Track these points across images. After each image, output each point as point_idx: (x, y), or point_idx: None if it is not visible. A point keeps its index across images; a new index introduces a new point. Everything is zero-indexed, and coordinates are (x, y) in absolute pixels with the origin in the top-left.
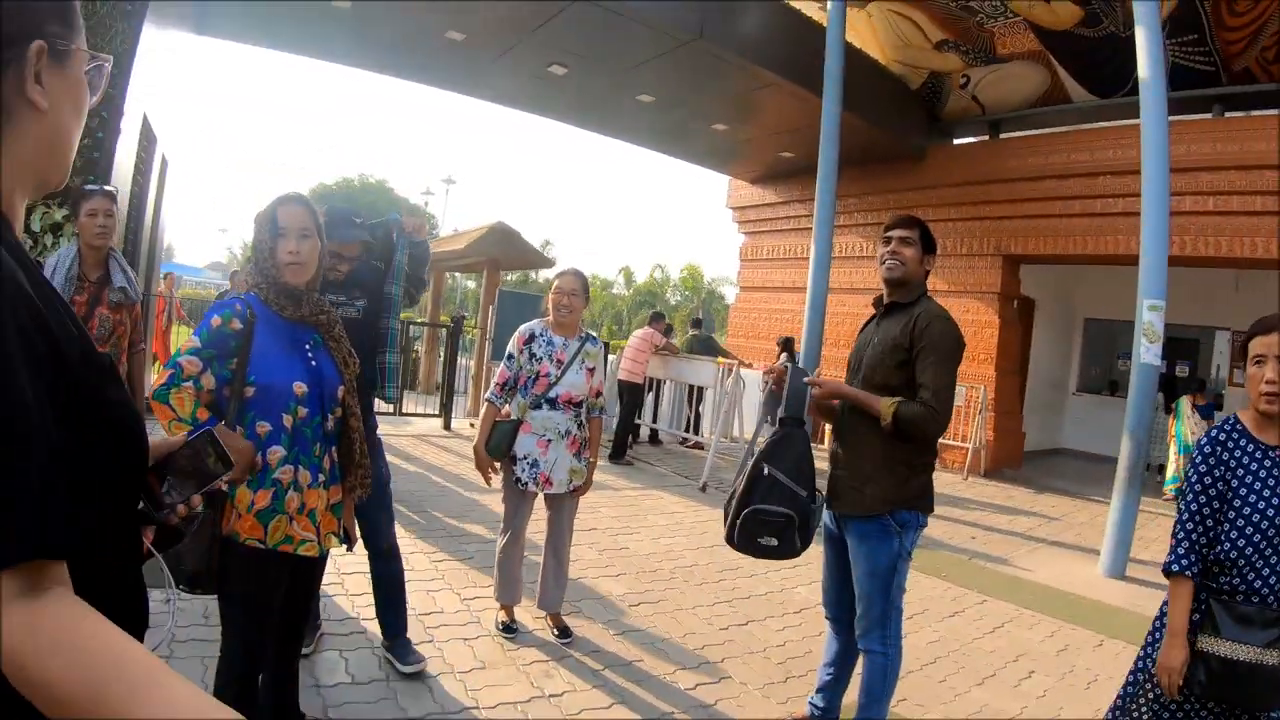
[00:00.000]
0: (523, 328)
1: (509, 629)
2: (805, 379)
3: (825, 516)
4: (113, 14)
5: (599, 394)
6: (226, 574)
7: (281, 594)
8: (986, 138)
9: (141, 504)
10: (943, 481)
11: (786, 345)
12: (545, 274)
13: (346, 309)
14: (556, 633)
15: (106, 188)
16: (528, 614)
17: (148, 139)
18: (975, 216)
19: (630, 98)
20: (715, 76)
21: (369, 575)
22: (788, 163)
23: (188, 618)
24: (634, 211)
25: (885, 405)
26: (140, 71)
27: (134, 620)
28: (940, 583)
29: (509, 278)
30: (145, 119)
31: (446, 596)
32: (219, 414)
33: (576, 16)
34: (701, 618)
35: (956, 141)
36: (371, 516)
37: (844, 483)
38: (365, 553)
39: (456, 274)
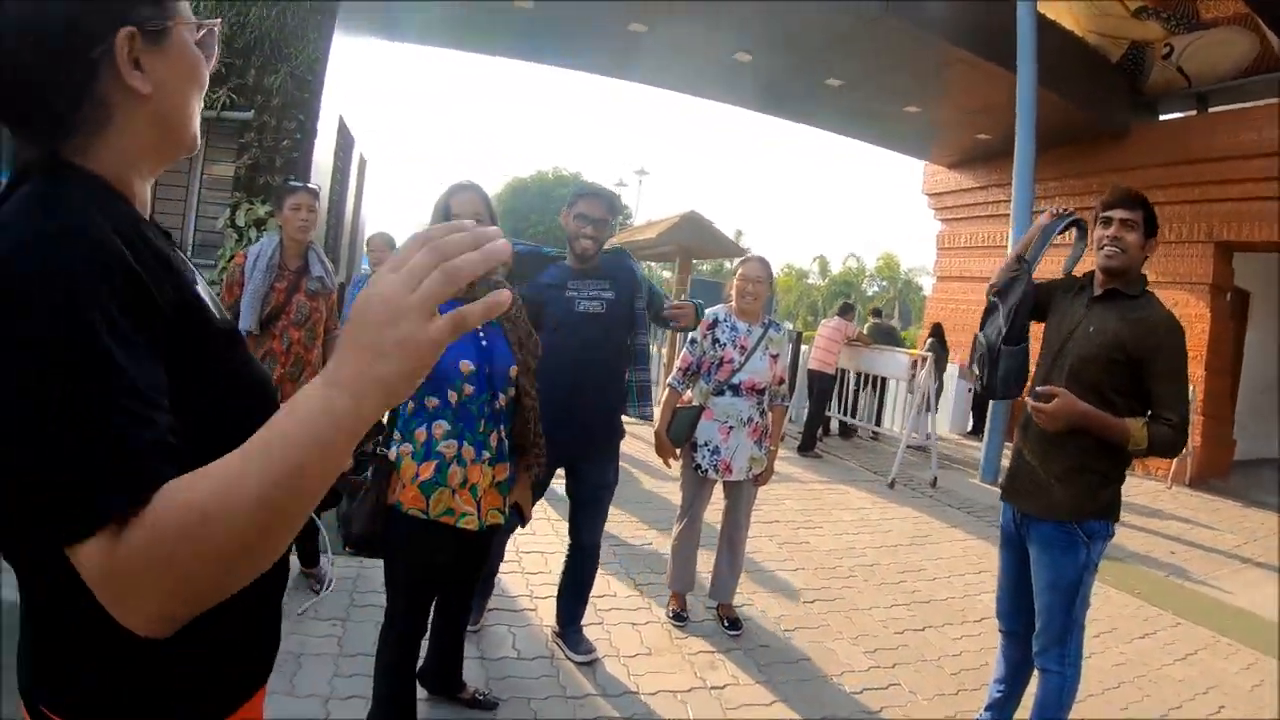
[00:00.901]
0: (706, 313)
1: (679, 617)
2: (1038, 391)
3: (1004, 514)
4: (304, 23)
5: (782, 381)
6: (391, 540)
7: (445, 564)
8: (1194, 112)
9: None
10: (1144, 490)
11: (936, 332)
12: (738, 262)
13: (588, 303)
14: (726, 624)
15: (310, 185)
16: (699, 603)
17: (345, 140)
18: (1183, 200)
19: (819, 81)
20: (904, 55)
21: (562, 559)
22: (984, 145)
23: (368, 583)
24: (828, 199)
25: (1136, 430)
26: (335, 76)
27: (274, 573)
28: (1132, 600)
29: (702, 267)
30: (341, 121)
31: (620, 580)
32: None
33: (756, 2)
34: (877, 619)
35: (1162, 117)
36: (587, 512)
37: (1029, 476)
38: (544, 534)
39: (651, 263)
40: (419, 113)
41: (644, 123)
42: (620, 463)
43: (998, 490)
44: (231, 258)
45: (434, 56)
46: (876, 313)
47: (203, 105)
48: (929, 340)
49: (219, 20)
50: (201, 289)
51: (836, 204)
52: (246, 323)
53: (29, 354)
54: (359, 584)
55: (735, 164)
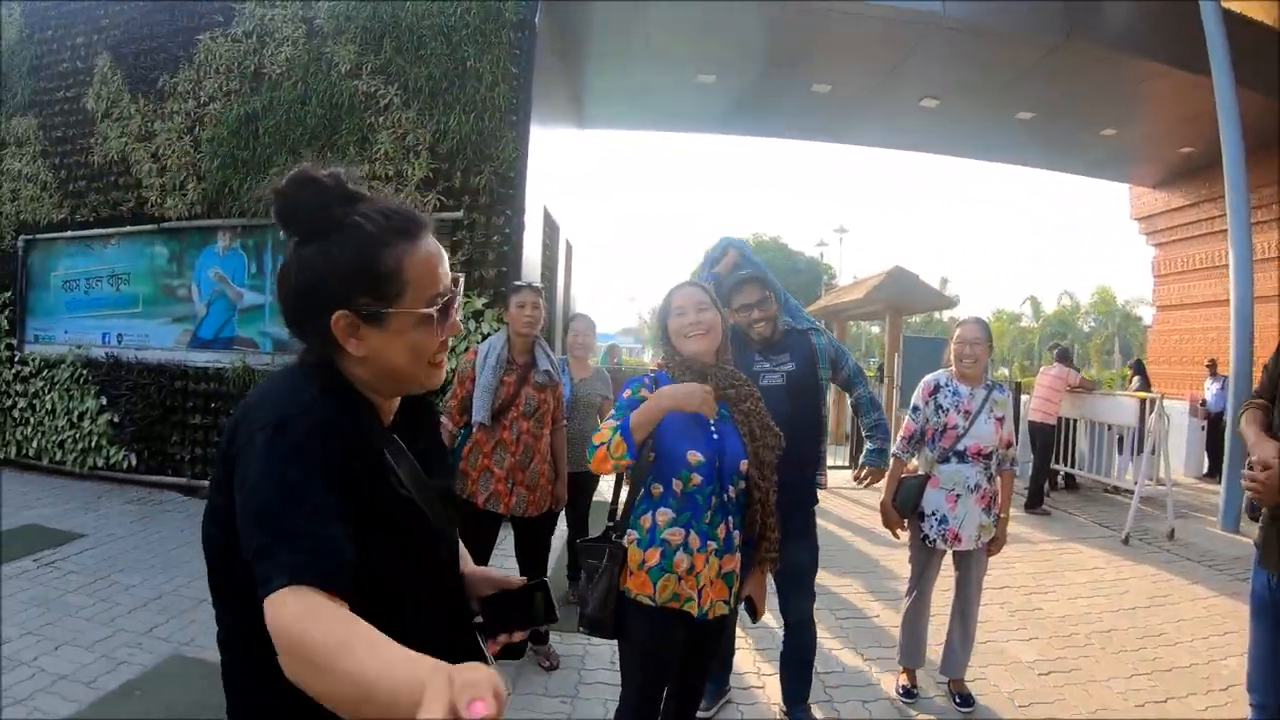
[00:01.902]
0: (927, 378)
1: (909, 693)
2: (1250, 461)
3: (1257, 579)
4: (501, 124)
5: (1009, 445)
6: (623, 624)
7: (675, 651)
8: None
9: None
10: None
11: (1138, 369)
12: (947, 314)
13: (770, 375)
14: (958, 700)
15: (534, 284)
16: (929, 677)
17: (550, 228)
18: None
19: (1009, 117)
20: (1094, 78)
21: (780, 640)
22: (1189, 159)
23: (597, 660)
24: (1032, 237)
25: None
26: (535, 169)
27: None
28: None
29: (910, 320)
30: (546, 211)
31: (847, 654)
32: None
33: (933, 47)
34: (1116, 691)
35: None
36: (792, 591)
37: None
38: (771, 607)
39: (861, 321)
40: (617, 194)
41: (838, 180)
42: (841, 530)
43: (1240, 540)
44: (452, 348)
45: (626, 140)
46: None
47: (417, 208)
48: (1135, 380)
49: (453, 292)
50: (406, 476)
51: (1042, 240)
52: (479, 415)
53: (287, 466)
54: (587, 661)
55: (934, 212)
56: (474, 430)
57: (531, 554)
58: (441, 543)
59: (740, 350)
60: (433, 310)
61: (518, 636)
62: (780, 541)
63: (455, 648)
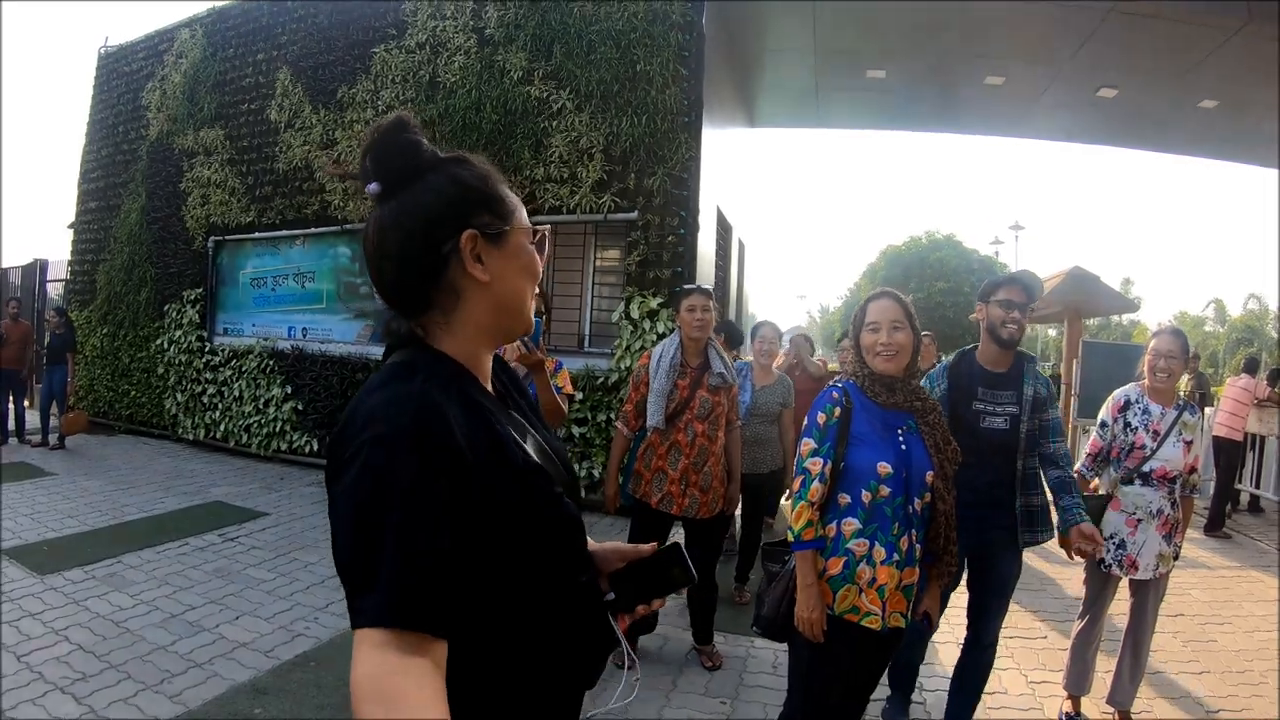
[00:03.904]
0: (1117, 394)
1: None
2: None
3: None
4: (673, 125)
5: (1194, 470)
6: (795, 630)
7: (846, 663)
8: None
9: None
10: None
11: (1250, 367)
12: (1127, 317)
13: (992, 418)
14: None
15: (703, 286)
16: (1094, 706)
17: (724, 228)
18: None
19: (1191, 105)
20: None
21: (948, 650)
22: None
23: (759, 664)
24: (1219, 234)
25: None
26: (708, 169)
27: (584, 675)
28: None
29: (1088, 323)
30: (719, 211)
31: (1012, 677)
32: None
33: (1111, 32)
34: None
35: None
36: (993, 604)
37: None
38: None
39: (1036, 325)
40: (787, 191)
41: (1014, 176)
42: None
43: None
44: (627, 346)
45: (797, 136)
46: (1250, 364)
47: (591, 212)
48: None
49: (548, 227)
50: (530, 445)
51: (1229, 239)
52: (654, 419)
53: (389, 488)
54: (749, 664)
55: (1114, 208)
56: (648, 432)
57: (703, 555)
58: (568, 504)
59: (968, 377)
60: (536, 228)
61: (657, 604)
62: (993, 550)
63: (587, 625)
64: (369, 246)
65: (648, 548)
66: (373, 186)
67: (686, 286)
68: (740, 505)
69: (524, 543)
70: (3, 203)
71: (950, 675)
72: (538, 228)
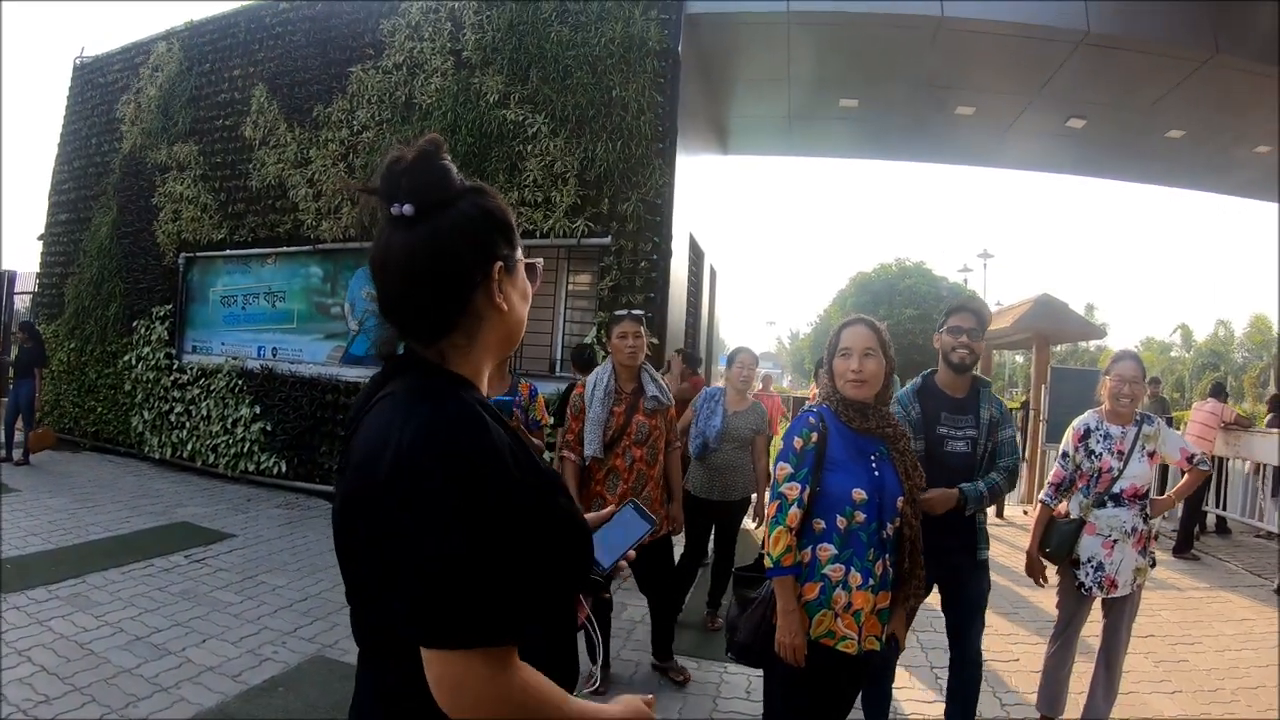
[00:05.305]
0: (1077, 423)
1: None
2: None
3: None
4: (648, 151)
5: (1191, 457)
6: (771, 655)
7: (821, 687)
8: None
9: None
10: None
11: (1276, 404)
12: (1094, 343)
13: (954, 442)
14: None
15: (634, 312)
16: None
17: (696, 254)
18: None
19: (1158, 136)
20: (1248, 92)
21: (931, 674)
22: None
23: (731, 690)
24: (1183, 261)
25: None
26: (681, 195)
27: (566, 676)
28: None
29: (1056, 350)
30: (691, 237)
31: (985, 698)
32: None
33: (1079, 64)
34: None
35: None
36: (970, 621)
37: None
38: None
39: (1005, 351)
40: (758, 218)
41: (984, 204)
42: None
43: None
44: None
45: (768, 164)
46: (1217, 388)
47: (564, 236)
48: (1269, 415)
49: (539, 260)
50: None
51: (1193, 265)
52: (591, 449)
53: (450, 516)
54: (723, 690)
55: (1080, 236)
56: (586, 461)
57: (651, 577)
58: (577, 508)
59: (932, 401)
60: (530, 261)
61: (631, 555)
62: (961, 573)
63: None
64: (391, 268)
65: (608, 512)
66: (407, 208)
67: (617, 313)
68: (713, 531)
69: (547, 545)
70: None
71: (924, 700)
72: (532, 260)
